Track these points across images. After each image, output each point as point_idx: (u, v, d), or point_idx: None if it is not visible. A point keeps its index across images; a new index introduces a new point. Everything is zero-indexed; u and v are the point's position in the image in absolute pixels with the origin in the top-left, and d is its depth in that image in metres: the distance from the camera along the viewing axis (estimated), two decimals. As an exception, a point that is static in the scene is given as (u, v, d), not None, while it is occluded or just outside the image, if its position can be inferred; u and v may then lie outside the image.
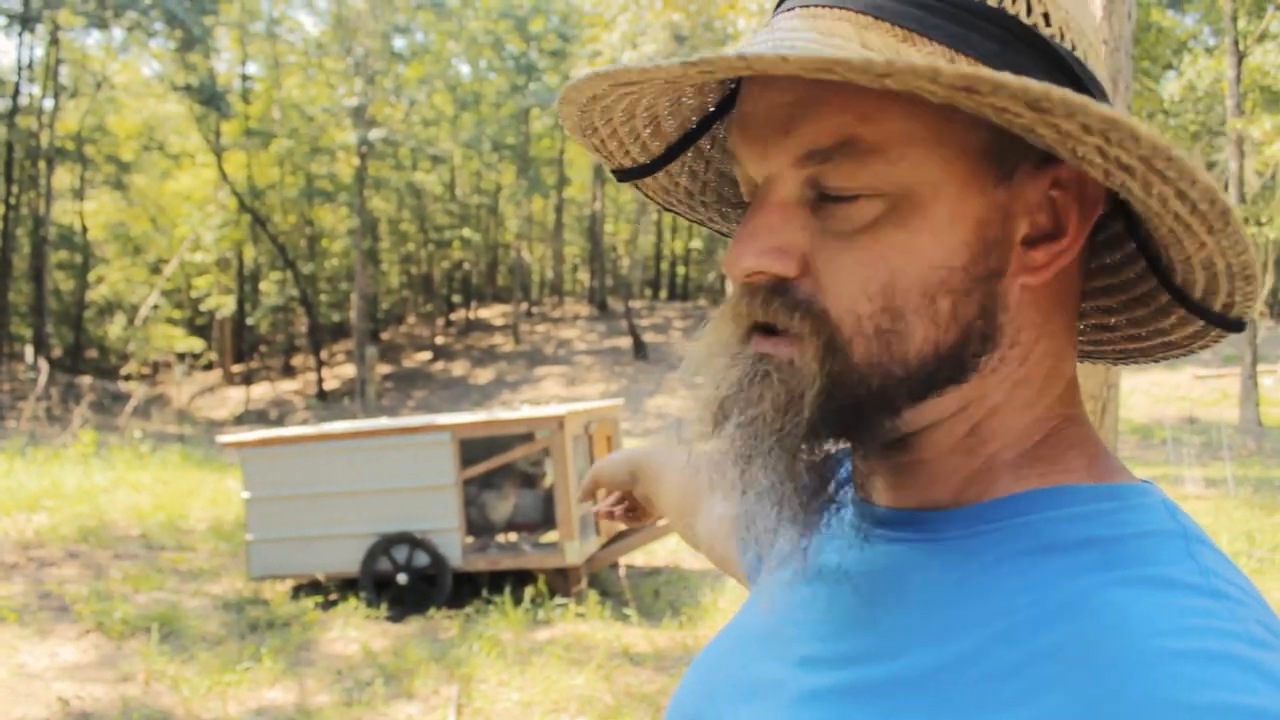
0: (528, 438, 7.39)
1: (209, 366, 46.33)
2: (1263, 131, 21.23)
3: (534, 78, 46.27)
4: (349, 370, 41.63)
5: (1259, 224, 22.47)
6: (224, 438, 7.77)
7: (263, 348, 49.64)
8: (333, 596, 7.41)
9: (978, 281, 0.62)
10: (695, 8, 29.21)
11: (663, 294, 55.77)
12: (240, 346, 46.49)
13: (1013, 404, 0.66)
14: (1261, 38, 22.73)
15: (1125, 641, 0.52)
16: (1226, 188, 22.14)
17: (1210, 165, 43.49)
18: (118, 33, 38.61)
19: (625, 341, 39.81)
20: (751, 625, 0.76)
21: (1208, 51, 25.87)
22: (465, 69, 48.99)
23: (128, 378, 42.14)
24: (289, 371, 45.36)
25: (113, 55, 41.47)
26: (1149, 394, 32.61)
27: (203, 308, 44.75)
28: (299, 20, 45.01)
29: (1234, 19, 19.77)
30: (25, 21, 33.43)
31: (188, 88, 35.10)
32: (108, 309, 47.12)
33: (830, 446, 0.66)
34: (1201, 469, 13.92)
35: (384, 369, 41.66)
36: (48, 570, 7.87)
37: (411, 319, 53.89)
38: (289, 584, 7.82)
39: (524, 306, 51.52)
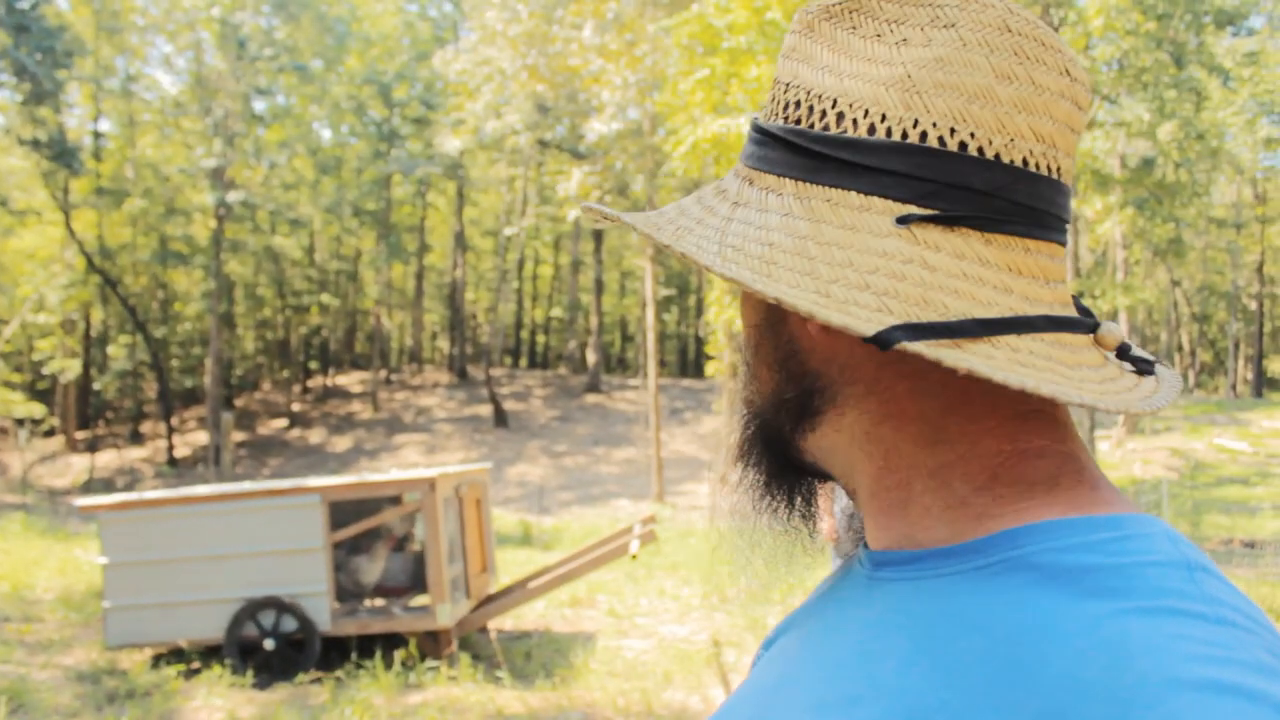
0: (398, 500, 7.37)
1: (51, 433, 44.31)
2: (1094, 211, 22.61)
3: (396, 144, 46.17)
4: (201, 437, 40.38)
5: (1093, 297, 23.77)
6: (81, 501, 7.52)
7: (109, 413, 47.72)
8: (195, 665, 7.21)
9: (770, 329, 0.75)
10: (560, 79, 29.75)
11: (523, 362, 55.80)
12: (85, 412, 44.63)
13: (906, 438, 0.69)
14: (1090, 125, 24.29)
15: (1137, 672, 0.52)
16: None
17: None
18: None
19: (486, 409, 39.61)
20: (761, 682, 0.77)
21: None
22: (327, 134, 48.61)
23: (-40, 444, 40.03)
24: (137, 439, 43.69)
25: (-47, 107, 39.89)
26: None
27: (45, 371, 42.90)
28: (156, 78, 43.98)
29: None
30: None
31: (35, 142, 33.93)
32: (-62, 372, 44.75)
33: (782, 471, 0.80)
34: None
35: (239, 436, 40.50)
36: (-117, 643, 7.48)
37: (267, 385, 52.59)
38: (148, 653, 7.58)
39: (383, 374, 50.78)
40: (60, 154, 33.77)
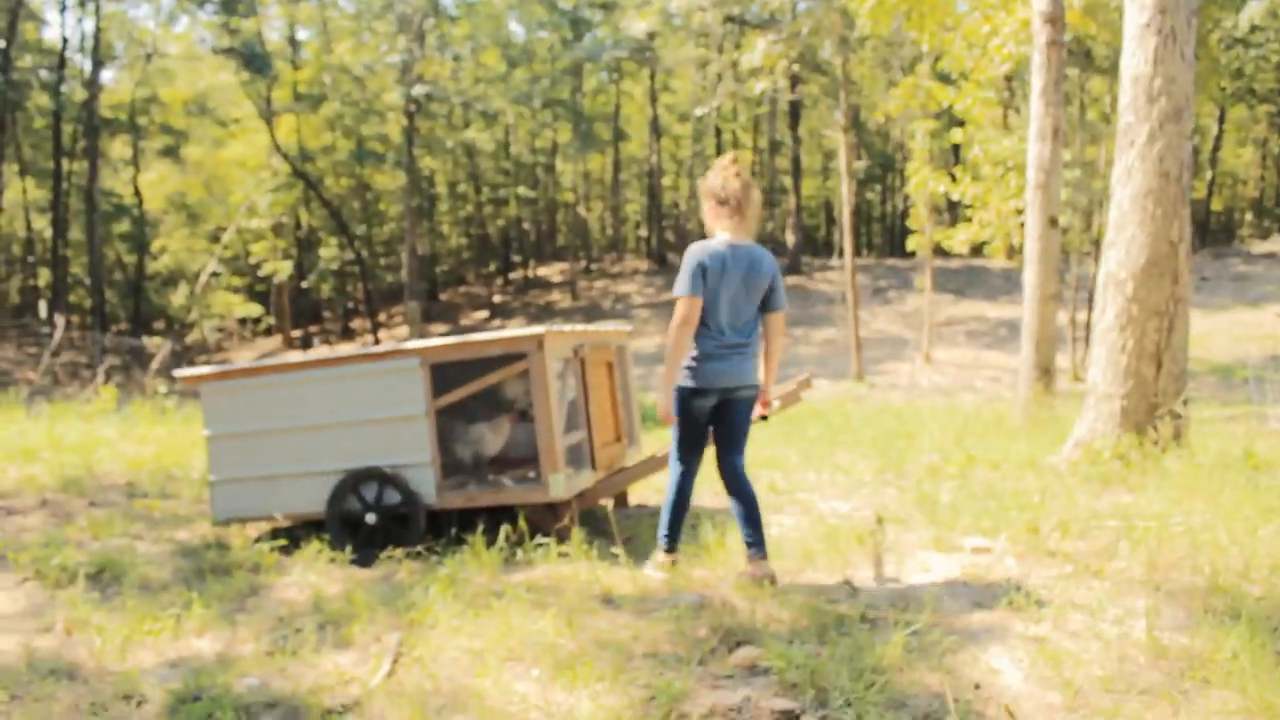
0: (504, 360, 6.65)
1: (269, 331, 46.38)
2: None
3: (585, 31, 45.43)
4: (407, 331, 41.42)
5: None
6: (181, 371, 7.14)
7: (326, 313, 49.60)
8: (305, 541, 6.77)
9: None
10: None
11: (724, 246, 54.81)
12: (299, 310, 46.44)
13: None
14: None
15: None
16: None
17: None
18: (166, 2, 38.45)
19: (683, 294, 39.06)
20: None
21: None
22: (516, 27, 48.22)
23: (186, 348, 42.21)
24: (348, 335, 45.26)
25: (165, 28, 41.34)
26: (1229, 333, 31.02)
27: (261, 273, 44.75)
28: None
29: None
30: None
31: (230, 50, 34.72)
32: (170, 279, 47.37)
33: None
34: (1284, 398, 12.81)
35: (440, 328, 41.36)
36: (11, 519, 7.35)
37: (471, 279, 53.60)
38: (265, 528, 7.22)
39: (582, 263, 50.84)
40: (251, 59, 34.43)
